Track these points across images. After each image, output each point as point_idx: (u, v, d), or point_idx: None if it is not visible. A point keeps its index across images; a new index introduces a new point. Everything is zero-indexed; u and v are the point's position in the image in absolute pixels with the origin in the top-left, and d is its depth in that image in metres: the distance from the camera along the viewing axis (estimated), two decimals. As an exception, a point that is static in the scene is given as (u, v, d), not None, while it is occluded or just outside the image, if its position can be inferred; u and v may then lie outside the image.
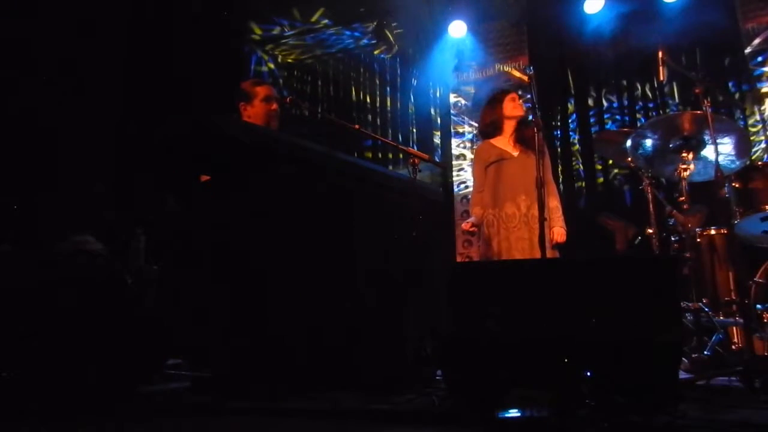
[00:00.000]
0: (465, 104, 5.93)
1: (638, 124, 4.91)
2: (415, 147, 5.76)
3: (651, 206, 3.21)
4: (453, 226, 5.63)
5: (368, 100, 6.34)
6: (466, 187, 5.68)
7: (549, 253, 3.07)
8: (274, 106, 3.09)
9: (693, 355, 2.64)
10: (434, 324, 2.57)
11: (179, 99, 4.56)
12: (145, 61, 4.63)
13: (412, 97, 6.23)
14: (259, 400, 2.04)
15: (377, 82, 6.37)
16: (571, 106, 5.60)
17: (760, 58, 4.90)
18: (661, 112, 5.16)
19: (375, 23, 6.07)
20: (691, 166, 2.85)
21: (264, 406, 1.97)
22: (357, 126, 2.98)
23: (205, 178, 2.57)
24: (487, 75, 5.83)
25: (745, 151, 2.99)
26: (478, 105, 5.69)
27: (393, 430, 1.70)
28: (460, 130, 5.91)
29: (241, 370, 2.17)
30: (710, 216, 3.41)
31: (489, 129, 3.64)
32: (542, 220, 2.74)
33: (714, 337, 2.73)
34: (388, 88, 6.35)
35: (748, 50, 4.92)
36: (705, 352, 2.64)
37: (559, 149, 5.48)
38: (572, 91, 5.62)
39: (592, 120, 5.51)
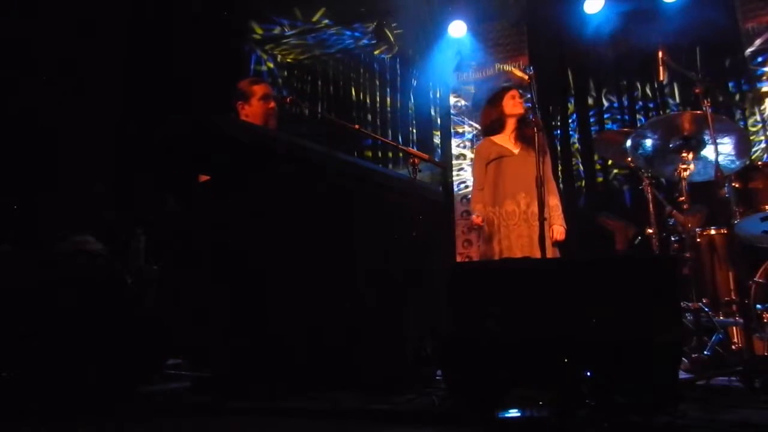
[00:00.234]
0: (465, 104, 5.93)
1: (638, 124, 4.91)
2: (415, 147, 5.76)
3: (651, 206, 3.21)
4: (453, 226, 5.63)
5: (368, 99, 6.34)
6: (466, 186, 5.68)
7: (549, 252, 3.08)
8: (272, 104, 3.09)
9: (693, 355, 2.64)
10: (434, 324, 2.57)
11: (179, 99, 4.56)
12: (145, 61, 4.63)
13: (412, 97, 6.24)
14: (259, 400, 2.03)
15: (377, 82, 6.37)
16: (571, 106, 5.60)
17: (760, 59, 4.91)
18: (661, 112, 5.16)
19: (375, 23, 6.07)
20: (691, 166, 2.85)
21: (264, 406, 1.97)
22: (357, 126, 2.98)
23: (204, 178, 2.57)
24: (487, 75, 5.83)
25: (745, 151, 2.99)
26: (478, 105, 5.69)
27: (393, 430, 1.70)
28: (460, 130, 5.91)
29: (241, 370, 2.17)
30: (710, 216, 3.41)
31: (490, 127, 3.66)
32: (542, 218, 2.74)
33: (714, 337, 2.73)
34: (388, 88, 6.35)
35: (748, 52, 4.92)
36: (705, 352, 2.64)
37: (559, 149, 5.48)
38: (572, 91, 5.62)
39: (592, 120, 5.51)
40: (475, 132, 5.78)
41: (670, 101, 5.29)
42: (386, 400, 2.02)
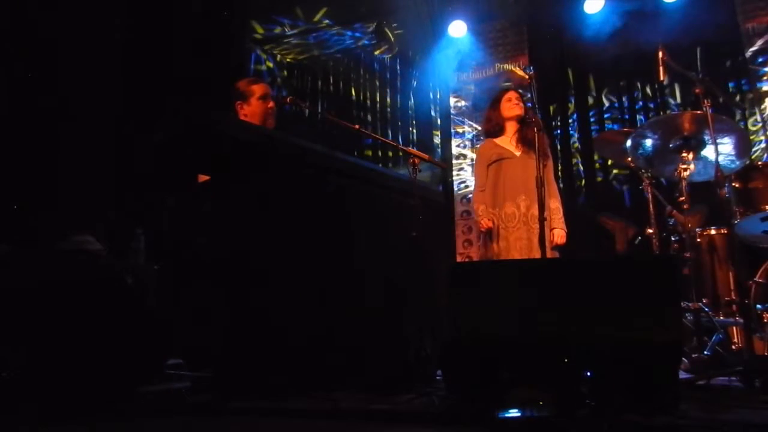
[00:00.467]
0: (465, 104, 5.93)
1: (638, 124, 4.91)
2: (415, 147, 5.76)
3: (651, 206, 3.21)
4: (453, 226, 5.63)
5: (368, 99, 6.34)
6: (466, 186, 5.69)
7: (548, 255, 3.07)
8: (271, 104, 3.08)
9: (693, 355, 2.64)
10: (434, 324, 2.57)
11: (179, 99, 4.56)
12: (145, 61, 4.63)
13: (412, 96, 6.24)
14: (259, 400, 2.04)
15: (377, 82, 6.38)
16: (571, 106, 5.60)
17: (761, 59, 4.91)
18: (661, 112, 5.16)
19: (375, 23, 6.07)
20: (691, 166, 2.85)
21: (264, 406, 1.97)
22: (357, 126, 2.98)
23: (204, 178, 2.57)
24: (487, 75, 5.83)
25: (745, 151, 2.99)
26: (478, 105, 5.71)
27: (393, 430, 1.70)
28: (460, 130, 5.91)
29: (241, 370, 2.17)
30: (710, 216, 3.41)
31: (491, 130, 3.65)
32: (542, 220, 2.74)
33: (714, 337, 2.73)
34: (388, 88, 6.36)
35: (749, 52, 4.92)
36: (705, 352, 2.64)
37: (559, 148, 5.48)
38: (572, 91, 5.62)
39: (592, 120, 5.51)
40: (475, 132, 5.78)
41: (671, 101, 5.29)
42: (386, 400, 2.02)
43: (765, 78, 4.87)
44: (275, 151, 2.39)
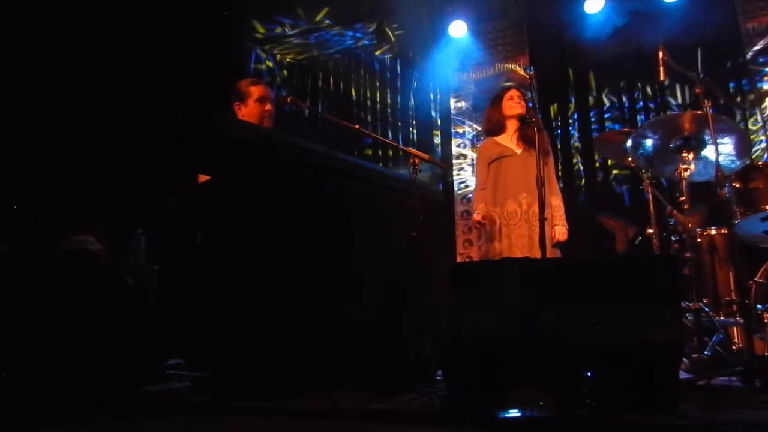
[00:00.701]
0: (465, 105, 5.93)
1: (638, 124, 4.91)
2: (415, 147, 5.76)
3: (651, 206, 3.21)
4: (453, 226, 5.63)
5: (368, 99, 6.34)
6: (466, 186, 5.69)
7: (550, 252, 3.07)
8: (268, 107, 3.07)
9: (693, 355, 2.63)
10: (434, 324, 2.57)
11: (179, 99, 4.56)
12: (145, 61, 4.63)
13: (412, 96, 6.24)
14: (259, 400, 2.04)
15: (377, 82, 6.38)
16: (571, 106, 5.60)
17: (762, 59, 4.90)
18: (661, 112, 5.16)
19: (376, 23, 6.07)
20: (692, 166, 2.85)
21: (264, 406, 1.97)
22: (357, 126, 2.97)
23: (204, 178, 2.57)
24: (487, 75, 5.84)
25: (745, 151, 2.99)
26: (478, 105, 5.71)
27: (393, 430, 1.70)
28: (460, 130, 5.91)
29: (241, 370, 2.17)
30: (710, 216, 3.41)
31: (492, 129, 3.66)
32: (542, 218, 2.74)
33: (714, 337, 2.73)
34: (389, 88, 6.36)
35: (750, 53, 4.92)
36: (705, 352, 2.64)
37: (559, 148, 5.48)
38: (573, 91, 5.62)
39: (592, 119, 5.52)
40: (475, 132, 5.78)
41: (671, 101, 5.29)
42: (386, 400, 2.02)
43: (766, 78, 4.87)
44: (275, 151, 2.39)
